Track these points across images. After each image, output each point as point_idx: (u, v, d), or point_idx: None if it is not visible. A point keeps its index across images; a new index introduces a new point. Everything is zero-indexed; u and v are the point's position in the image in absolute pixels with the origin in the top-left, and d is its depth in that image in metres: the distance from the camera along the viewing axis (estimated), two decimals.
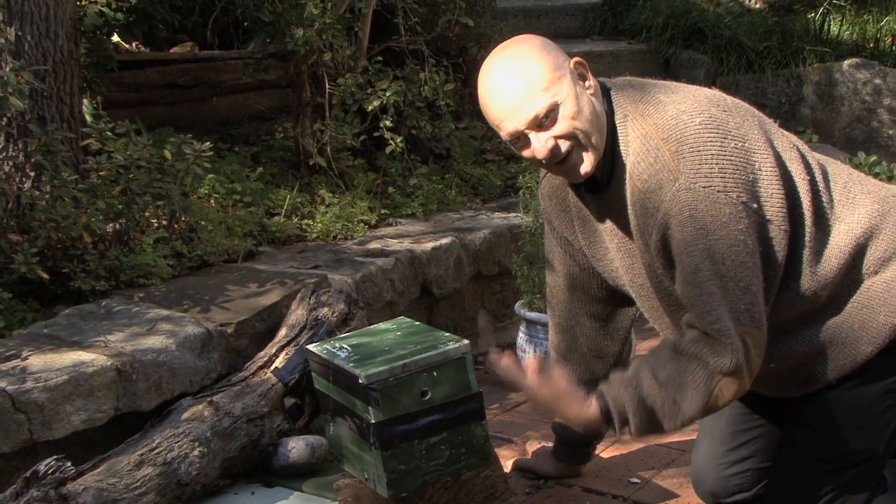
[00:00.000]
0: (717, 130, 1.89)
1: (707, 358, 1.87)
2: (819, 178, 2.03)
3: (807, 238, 1.98)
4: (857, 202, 2.05)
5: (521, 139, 1.95)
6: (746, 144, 1.91)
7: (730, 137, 1.90)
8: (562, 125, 1.92)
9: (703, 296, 1.87)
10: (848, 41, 6.39)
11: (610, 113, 1.98)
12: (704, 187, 1.86)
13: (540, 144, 1.93)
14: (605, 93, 2.00)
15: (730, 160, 1.88)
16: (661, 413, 1.92)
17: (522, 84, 1.91)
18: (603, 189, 2.03)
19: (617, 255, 2.10)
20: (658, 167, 1.90)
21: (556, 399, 2.01)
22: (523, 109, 1.91)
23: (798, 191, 1.98)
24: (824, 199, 2.02)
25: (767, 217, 1.91)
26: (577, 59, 1.98)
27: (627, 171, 1.95)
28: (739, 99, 2.05)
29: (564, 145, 1.93)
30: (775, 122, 2.11)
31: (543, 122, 1.92)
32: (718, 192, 1.86)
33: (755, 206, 1.89)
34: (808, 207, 1.98)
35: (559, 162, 1.96)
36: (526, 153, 1.97)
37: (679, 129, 1.90)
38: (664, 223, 1.90)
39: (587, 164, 1.96)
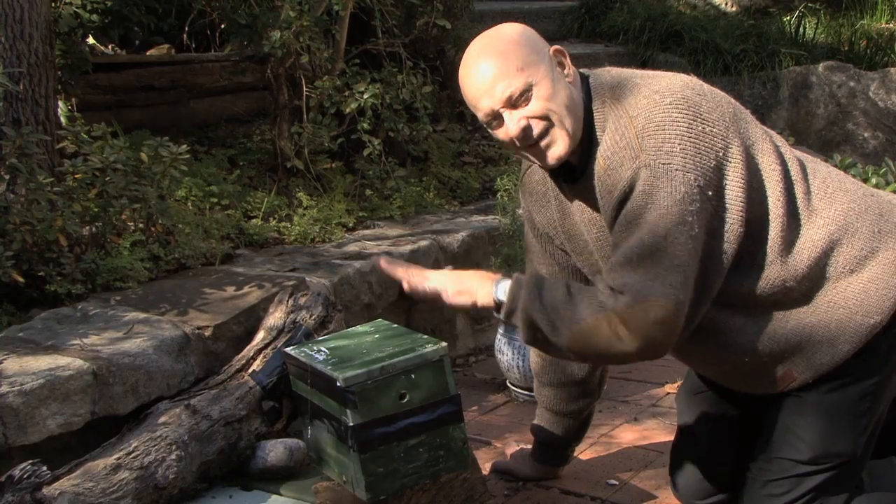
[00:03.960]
0: (687, 112, 1.91)
1: (604, 298, 1.90)
2: (795, 169, 2.04)
3: (777, 227, 1.98)
4: (834, 198, 2.06)
5: (496, 119, 1.98)
6: (715, 130, 1.92)
7: (699, 120, 1.91)
8: (535, 105, 1.95)
9: (630, 259, 1.88)
10: (823, 44, 6.45)
11: (588, 101, 2.00)
12: (663, 163, 1.87)
13: (513, 123, 1.96)
14: (584, 81, 2.02)
15: (694, 143, 1.89)
16: (551, 314, 1.93)
17: (499, 64, 1.95)
18: (580, 177, 2.03)
19: (595, 247, 2.11)
20: (622, 145, 1.92)
21: (450, 275, 2.06)
22: (498, 88, 1.95)
23: (766, 182, 1.98)
24: (799, 190, 2.03)
25: (722, 208, 1.92)
26: (556, 47, 2.02)
27: (597, 155, 1.97)
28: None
29: (537, 126, 1.96)
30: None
31: (518, 101, 1.95)
32: (676, 170, 1.87)
33: (710, 193, 1.90)
34: (778, 198, 1.98)
35: (533, 144, 1.98)
36: (500, 133, 2.00)
37: (648, 108, 1.92)
38: (621, 199, 1.92)
39: (560, 147, 1.97)
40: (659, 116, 1.90)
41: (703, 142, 1.90)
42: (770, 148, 2.02)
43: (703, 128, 1.91)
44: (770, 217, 1.98)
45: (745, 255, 1.98)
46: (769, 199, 1.98)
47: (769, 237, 1.99)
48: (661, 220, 1.87)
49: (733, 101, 2.05)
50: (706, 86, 2.02)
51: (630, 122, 1.92)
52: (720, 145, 1.92)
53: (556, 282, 2.01)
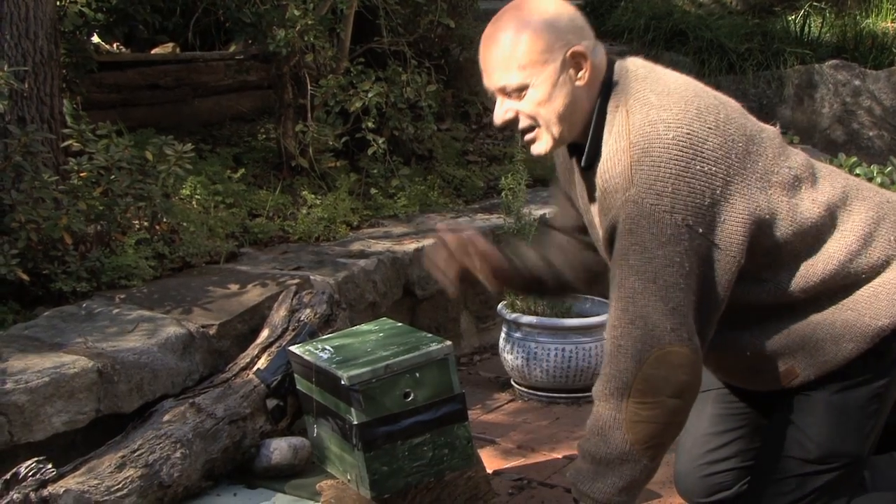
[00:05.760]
0: (688, 150, 1.87)
1: (613, 386, 1.90)
2: (810, 189, 2.01)
3: (789, 249, 1.97)
4: (852, 209, 2.04)
5: (493, 95, 1.99)
6: (716, 169, 1.88)
7: (699, 159, 1.87)
8: (526, 105, 1.95)
9: (624, 310, 1.89)
10: (828, 43, 6.44)
11: (604, 100, 1.97)
12: (651, 204, 1.85)
13: (500, 111, 1.97)
14: (611, 76, 1.99)
15: (687, 183, 1.86)
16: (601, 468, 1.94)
17: (505, 54, 1.94)
18: (587, 169, 2.03)
19: (599, 228, 2.10)
20: (618, 170, 1.90)
21: None
22: (495, 75, 1.95)
23: (778, 211, 1.95)
24: (816, 210, 1.99)
25: (716, 243, 1.89)
26: (576, 49, 1.94)
27: (599, 162, 1.96)
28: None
29: (523, 122, 1.97)
30: (777, 122, 2.09)
31: (511, 94, 1.95)
32: (664, 212, 1.85)
33: (701, 230, 1.87)
34: (792, 223, 1.96)
35: (520, 132, 1.99)
36: (495, 109, 2.01)
37: (649, 139, 1.88)
38: (612, 227, 1.92)
39: (542, 146, 1.98)
40: (657, 152, 1.86)
41: (698, 181, 1.87)
42: (785, 174, 1.98)
43: (703, 167, 1.87)
44: (781, 241, 1.96)
45: (752, 273, 1.96)
46: (783, 225, 1.96)
47: (783, 259, 1.97)
48: (648, 264, 1.86)
49: (751, 127, 1.99)
50: (724, 113, 1.96)
51: (628, 149, 1.89)
52: (718, 184, 1.88)
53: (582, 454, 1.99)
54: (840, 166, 4.32)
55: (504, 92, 1.95)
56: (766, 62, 6.02)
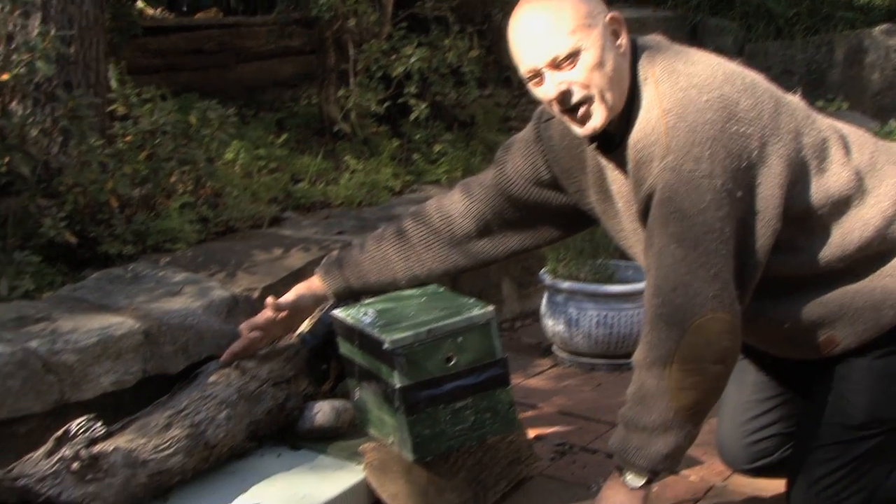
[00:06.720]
0: (721, 111, 1.85)
1: (656, 354, 1.90)
2: (842, 152, 1.99)
3: (824, 214, 1.95)
4: (885, 173, 2.02)
5: (537, 76, 1.94)
6: (750, 130, 1.87)
7: (733, 120, 1.86)
8: (579, 73, 1.90)
9: (665, 277, 1.87)
10: (879, 6, 6.31)
11: (634, 74, 1.96)
12: (689, 171, 1.83)
13: (553, 85, 1.92)
14: (635, 52, 1.98)
15: (724, 145, 1.84)
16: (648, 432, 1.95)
17: (550, 22, 1.90)
18: (615, 148, 2.01)
19: (625, 216, 2.09)
20: (653, 139, 1.88)
21: None
22: (545, 47, 1.90)
23: (811, 173, 1.94)
24: (847, 173, 1.97)
25: (755, 208, 1.88)
26: (613, 14, 1.95)
27: (629, 136, 1.94)
28: (765, 69, 2.02)
29: (577, 94, 1.91)
30: (799, 90, 2.07)
31: (562, 64, 1.90)
32: (703, 177, 1.83)
33: (740, 194, 1.85)
34: (824, 187, 1.94)
35: (570, 110, 1.94)
36: (539, 92, 1.96)
37: (683, 104, 1.86)
38: (648, 196, 1.90)
39: (598, 119, 1.93)
40: (692, 116, 1.85)
41: (735, 143, 1.85)
42: (815, 135, 1.97)
43: (738, 129, 1.86)
44: (815, 205, 1.95)
45: (787, 241, 1.95)
46: (813, 188, 1.94)
47: (815, 225, 1.96)
48: (688, 231, 1.84)
49: (776, 91, 1.99)
50: (749, 77, 1.96)
51: (662, 116, 1.87)
52: (754, 145, 1.87)
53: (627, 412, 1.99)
54: (889, 133, 4.25)
55: (554, 64, 1.91)
56: (815, 27, 5.92)
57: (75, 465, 1.92)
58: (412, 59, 3.82)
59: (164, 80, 3.94)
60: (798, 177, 1.93)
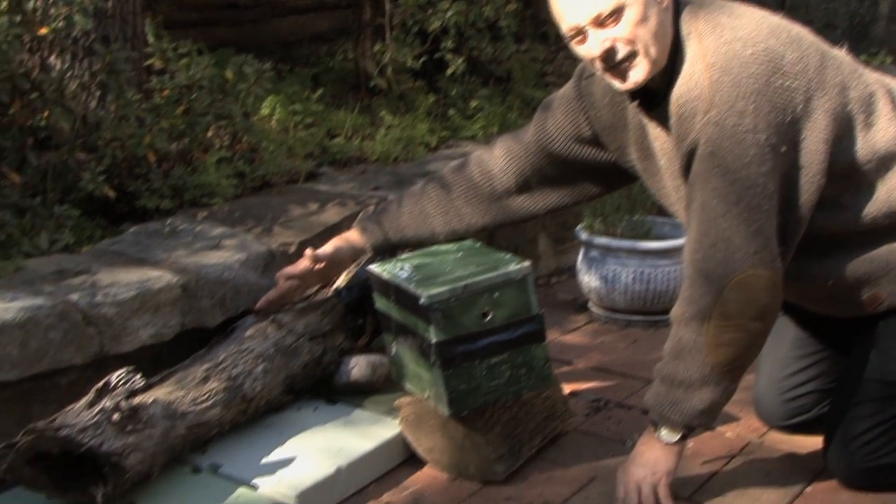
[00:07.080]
0: (767, 65, 1.83)
1: (695, 308, 1.91)
2: (889, 106, 1.96)
3: (870, 169, 1.92)
4: None
5: (579, 34, 1.92)
6: (796, 83, 1.84)
7: (778, 74, 1.83)
8: (623, 28, 1.88)
9: (706, 233, 1.86)
10: None
11: (677, 29, 1.93)
12: (733, 125, 1.81)
13: (597, 43, 1.90)
14: (677, 7, 1.95)
15: (769, 99, 1.81)
16: (684, 388, 1.96)
17: None
18: (658, 105, 1.98)
19: (667, 173, 2.07)
20: (696, 93, 1.86)
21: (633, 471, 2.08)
22: (588, 4, 1.88)
23: (856, 128, 1.91)
24: (892, 129, 1.95)
25: (800, 163, 1.85)
26: None
27: (672, 91, 1.91)
28: (807, 22, 1.98)
29: (622, 50, 1.90)
30: (846, 45, 2.03)
31: (606, 21, 1.88)
32: (746, 131, 1.80)
33: (784, 149, 1.83)
34: (869, 142, 1.92)
35: (613, 66, 1.92)
36: (582, 50, 1.94)
37: (727, 58, 1.84)
38: (690, 151, 1.88)
39: (641, 73, 1.92)
40: (736, 70, 1.82)
41: (780, 97, 1.82)
42: (861, 90, 1.94)
43: (783, 82, 1.83)
44: (860, 161, 1.92)
45: (832, 198, 1.92)
46: (859, 144, 1.91)
47: (860, 181, 1.93)
48: (731, 186, 1.82)
49: (822, 44, 1.96)
50: (794, 30, 1.93)
51: (706, 70, 1.85)
52: (799, 99, 1.84)
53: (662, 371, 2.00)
54: None
55: (598, 21, 1.88)
56: None
57: (116, 416, 1.94)
58: (448, 14, 3.79)
59: (200, 35, 3.92)
60: (844, 132, 1.90)
